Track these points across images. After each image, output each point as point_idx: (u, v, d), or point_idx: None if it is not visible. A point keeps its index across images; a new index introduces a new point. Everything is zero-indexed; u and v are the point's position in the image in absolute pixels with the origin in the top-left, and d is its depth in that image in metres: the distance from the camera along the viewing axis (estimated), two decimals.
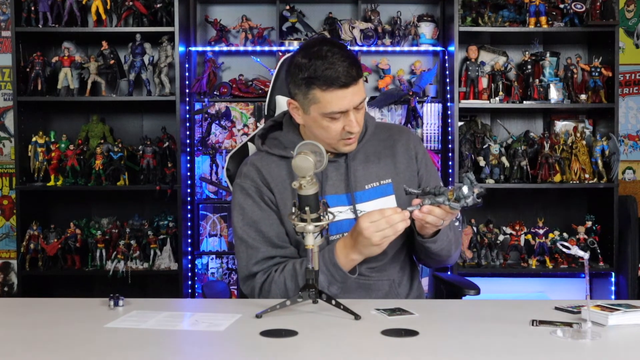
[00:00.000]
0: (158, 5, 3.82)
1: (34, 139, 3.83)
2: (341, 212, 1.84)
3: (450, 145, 3.87)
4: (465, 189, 1.58)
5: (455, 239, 1.87)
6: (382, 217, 1.62)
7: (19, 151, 3.82)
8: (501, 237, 3.88)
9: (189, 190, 3.96)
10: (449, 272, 3.55)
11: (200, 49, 4.07)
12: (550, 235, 3.85)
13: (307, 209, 1.51)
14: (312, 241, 1.52)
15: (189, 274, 3.98)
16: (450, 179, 3.81)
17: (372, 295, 1.83)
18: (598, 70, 3.79)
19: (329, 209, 1.80)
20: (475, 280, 2.26)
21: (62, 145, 3.83)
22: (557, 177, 3.80)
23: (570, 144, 3.86)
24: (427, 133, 4.01)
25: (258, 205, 1.83)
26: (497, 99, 3.82)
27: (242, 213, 1.84)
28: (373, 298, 1.81)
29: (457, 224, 1.88)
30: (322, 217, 1.55)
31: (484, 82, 3.88)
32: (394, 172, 1.90)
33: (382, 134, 1.96)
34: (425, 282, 3.42)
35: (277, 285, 1.75)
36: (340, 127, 1.77)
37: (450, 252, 1.86)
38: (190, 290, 3.97)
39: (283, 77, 2.15)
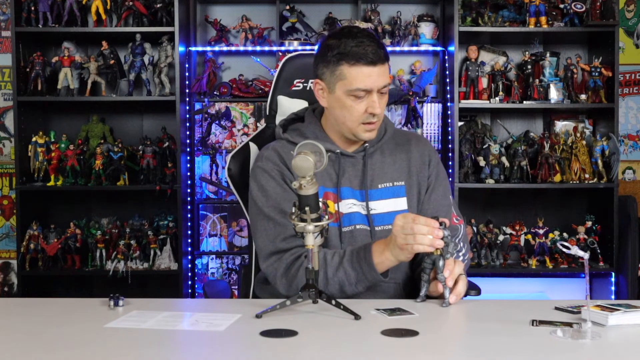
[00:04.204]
0: (158, 5, 3.82)
1: (34, 139, 3.83)
2: (355, 205, 1.86)
3: (450, 145, 3.87)
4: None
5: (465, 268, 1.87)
6: (411, 220, 1.61)
7: (19, 151, 3.82)
8: (501, 237, 3.88)
9: (189, 190, 3.96)
10: None
11: (200, 49, 4.07)
12: (550, 235, 3.85)
13: (307, 209, 1.51)
14: (312, 241, 1.52)
15: (189, 274, 3.98)
16: (450, 179, 3.80)
17: (377, 297, 1.82)
18: (598, 70, 3.78)
19: (342, 201, 1.84)
20: (475, 280, 2.26)
21: (62, 145, 3.82)
22: (557, 177, 3.80)
23: (570, 144, 3.86)
24: (427, 133, 4.01)
25: (281, 187, 1.84)
26: (497, 99, 3.82)
27: (266, 195, 1.84)
28: (378, 299, 1.80)
29: (460, 258, 1.87)
30: (322, 217, 1.55)
31: (484, 82, 3.88)
32: (407, 175, 1.93)
33: (399, 138, 1.99)
34: None
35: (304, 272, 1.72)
36: (363, 109, 1.80)
37: None
38: (190, 290, 3.97)
39: (285, 77, 2.17)
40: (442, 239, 1.59)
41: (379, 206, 1.88)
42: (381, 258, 1.69)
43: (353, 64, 1.77)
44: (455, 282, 1.65)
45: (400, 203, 1.89)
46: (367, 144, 1.90)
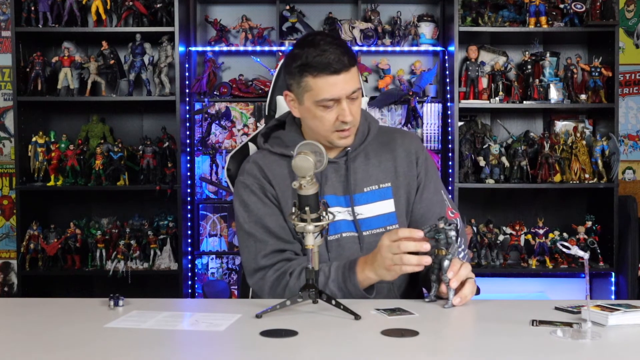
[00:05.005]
0: (158, 5, 3.83)
1: (34, 139, 3.83)
2: (340, 213, 1.83)
3: (450, 145, 3.87)
4: (441, 236, 1.58)
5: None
6: (396, 238, 1.58)
7: (19, 151, 3.82)
8: (501, 237, 3.88)
9: (189, 190, 3.96)
10: None
11: (200, 49, 4.07)
12: (550, 235, 3.85)
13: (307, 209, 1.51)
14: (312, 241, 1.52)
15: (189, 274, 3.98)
16: (450, 179, 3.81)
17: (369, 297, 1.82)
18: (598, 70, 3.79)
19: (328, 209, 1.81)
20: (476, 280, 2.26)
21: (62, 145, 3.83)
22: (557, 177, 3.80)
23: (570, 144, 3.86)
24: (427, 133, 4.01)
25: (262, 202, 1.82)
26: (497, 99, 3.82)
27: (247, 210, 1.83)
28: (377, 299, 1.80)
29: (461, 255, 1.86)
30: (322, 217, 1.54)
31: (484, 82, 3.88)
32: (393, 176, 1.88)
33: (384, 137, 1.94)
34: None
35: (291, 292, 1.72)
36: (334, 117, 1.76)
37: None
38: (190, 290, 3.97)
39: (284, 77, 2.15)
40: (447, 239, 1.58)
41: (365, 210, 1.84)
42: (362, 276, 1.68)
43: (316, 75, 1.72)
44: (462, 285, 1.62)
45: (388, 205, 1.85)
46: (349, 148, 1.86)
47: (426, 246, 1.57)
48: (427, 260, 1.57)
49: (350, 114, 1.76)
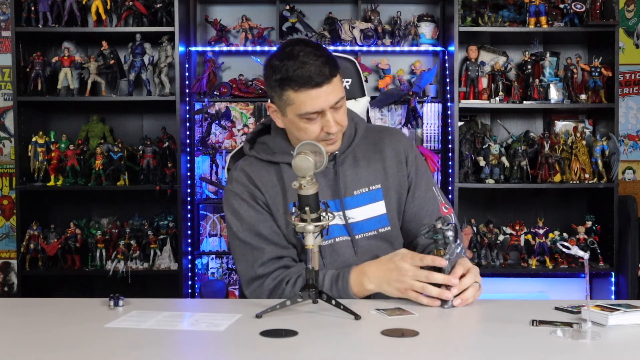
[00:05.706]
0: (158, 5, 3.83)
1: (34, 139, 3.83)
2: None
3: (450, 145, 3.87)
4: (439, 237, 1.58)
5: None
6: (423, 264, 1.57)
7: (19, 151, 3.82)
8: (501, 237, 3.88)
9: (189, 190, 3.96)
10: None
11: (200, 49, 4.07)
12: (550, 235, 3.85)
13: (307, 209, 1.51)
14: (312, 241, 1.52)
15: (189, 274, 3.98)
16: (450, 179, 3.81)
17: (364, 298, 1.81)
18: (598, 70, 3.79)
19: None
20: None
21: (62, 145, 3.83)
22: (557, 177, 3.80)
23: (570, 144, 3.86)
24: (427, 133, 4.01)
25: (254, 209, 1.80)
26: (497, 99, 3.82)
27: (239, 219, 1.81)
28: (375, 299, 1.79)
29: (458, 249, 1.85)
30: (322, 217, 1.54)
31: (484, 82, 3.88)
32: (383, 177, 1.86)
33: (372, 137, 1.91)
34: None
35: None
36: (319, 129, 1.73)
37: None
38: (190, 290, 3.97)
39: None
40: (444, 239, 1.58)
41: (356, 214, 1.82)
42: (359, 288, 1.68)
43: (297, 90, 1.68)
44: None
45: (379, 207, 1.84)
46: (336, 152, 1.83)
47: (454, 281, 1.56)
48: (448, 295, 1.56)
49: (335, 123, 1.73)
